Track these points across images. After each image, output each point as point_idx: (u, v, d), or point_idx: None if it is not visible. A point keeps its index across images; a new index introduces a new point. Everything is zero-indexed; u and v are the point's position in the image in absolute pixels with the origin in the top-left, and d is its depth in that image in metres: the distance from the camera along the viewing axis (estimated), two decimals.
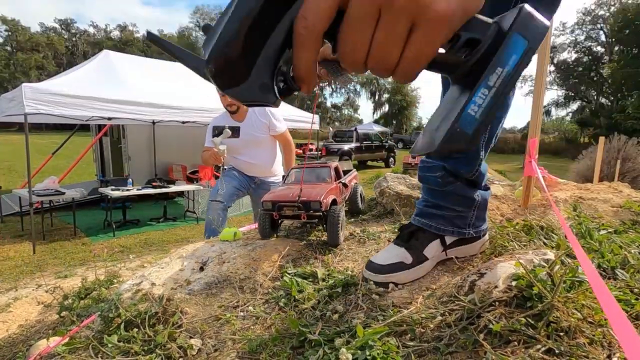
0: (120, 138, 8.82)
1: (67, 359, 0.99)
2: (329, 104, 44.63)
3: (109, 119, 6.52)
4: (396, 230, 1.49)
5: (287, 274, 1.15)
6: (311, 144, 15.26)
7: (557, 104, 30.71)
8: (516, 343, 0.63)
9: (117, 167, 9.12)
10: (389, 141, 17.02)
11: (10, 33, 35.90)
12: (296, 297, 1.03)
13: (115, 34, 45.78)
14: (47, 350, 1.10)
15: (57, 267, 5.03)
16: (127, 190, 6.63)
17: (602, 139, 4.16)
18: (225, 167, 3.05)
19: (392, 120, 39.03)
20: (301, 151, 14.50)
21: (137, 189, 6.81)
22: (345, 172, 2.13)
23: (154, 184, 7.16)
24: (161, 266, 1.37)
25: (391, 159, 16.61)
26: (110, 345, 0.96)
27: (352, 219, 1.84)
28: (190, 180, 9.00)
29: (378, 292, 0.98)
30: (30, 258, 5.39)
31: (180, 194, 8.20)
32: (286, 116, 8.42)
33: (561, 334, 0.60)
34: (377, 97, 41.23)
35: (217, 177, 8.76)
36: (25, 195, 6.36)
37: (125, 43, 41.94)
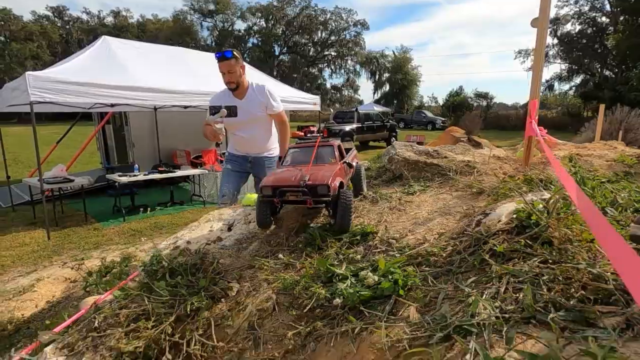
0: (122, 125, 8.88)
1: (122, 304, 1.13)
2: (328, 85, 44.07)
3: (112, 105, 6.56)
4: (410, 191, 1.60)
5: (309, 228, 1.28)
6: (312, 126, 15.29)
7: (560, 78, 30.29)
8: (516, 259, 0.75)
9: (122, 154, 9.21)
10: (390, 121, 17.00)
11: (2, 23, 35.28)
12: (320, 245, 1.16)
13: (109, 20, 44.84)
14: (101, 299, 1.25)
15: (72, 251, 5.23)
16: (134, 176, 6.75)
17: (602, 106, 4.22)
18: (220, 144, 3.21)
19: (393, 99, 38.63)
20: (302, 133, 14.54)
21: (144, 174, 6.92)
22: (346, 151, 2.01)
23: (159, 169, 7.28)
24: (191, 229, 1.51)
25: (393, 139, 16.63)
26: (160, 289, 1.10)
27: (373, 178, 1.95)
28: (194, 165, 9.10)
29: (394, 237, 1.10)
30: (46, 243, 5.57)
31: (186, 179, 8.30)
32: (288, 98, 8.45)
33: (554, 248, 0.73)
34: (377, 77, 40.65)
35: (220, 162, 8.88)
36: (35, 183, 6.49)
37: (120, 29, 41.16)
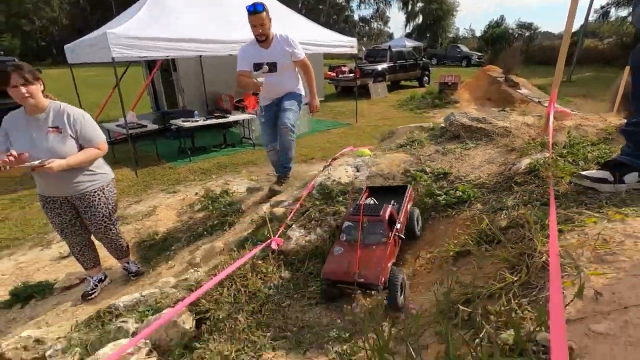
0: (170, 71, 9.78)
1: (309, 206, 2.28)
2: (356, 17, 41.89)
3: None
4: (466, 147, 2.63)
5: (409, 170, 2.36)
6: (344, 65, 15.60)
7: (617, 4, 27.95)
8: (525, 185, 1.82)
9: (170, 99, 10.27)
10: (423, 58, 16.99)
11: None
12: (417, 179, 2.24)
13: None
14: (303, 196, 2.39)
15: (161, 186, 6.60)
16: (195, 121, 7.90)
17: (627, 69, 4.71)
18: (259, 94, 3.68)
19: (425, 32, 36.83)
20: (334, 74, 14.99)
21: (203, 120, 8.04)
22: (396, 189, 2.11)
23: (215, 114, 8.36)
24: (330, 170, 2.61)
25: (425, 78, 16.80)
26: (337, 203, 2.24)
27: (431, 141, 2.96)
28: (237, 109, 10.08)
29: (462, 175, 2.17)
30: (135, 180, 6.94)
31: (235, 122, 9.36)
32: (323, 41, 8.96)
33: (541, 180, 1.78)
34: (409, 7, 38.26)
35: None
36: (113, 128, 7.75)
37: None
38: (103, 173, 2.97)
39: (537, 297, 1.05)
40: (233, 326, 1.55)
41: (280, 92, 3.63)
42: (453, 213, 1.91)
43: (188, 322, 1.65)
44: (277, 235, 2.07)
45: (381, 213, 1.78)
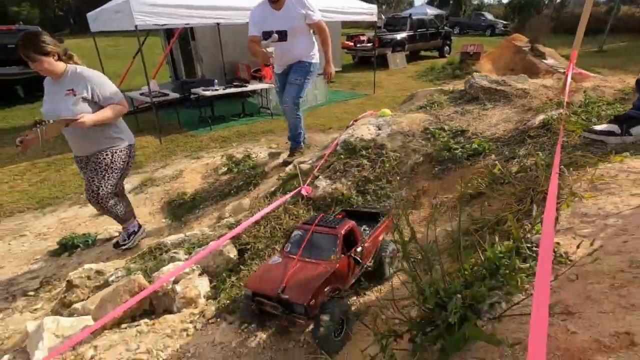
0: (188, 40, 9.90)
1: (330, 161, 2.51)
2: None
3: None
4: (485, 108, 2.78)
5: (429, 129, 2.54)
6: (362, 35, 15.34)
7: None
8: (538, 138, 1.99)
9: (188, 69, 10.46)
10: (445, 27, 16.50)
11: None
12: (436, 136, 2.43)
13: None
14: (326, 153, 2.63)
15: (184, 153, 6.92)
16: (215, 90, 8.12)
17: None
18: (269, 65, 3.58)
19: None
20: (352, 43, 14.79)
21: (223, 89, 8.25)
22: (371, 215, 1.89)
23: (234, 83, 8.54)
24: (353, 129, 2.82)
25: (446, 48, 16.39)
26: (360, 157, 2.45)
27: (450, 102, 3.11)
28: (254, 78, 10.19)
29: (479, 132, 2.34)
30: (159, 147, 7.28)
31: (253, 92, 9.51)
32: (342, 8, 8.88)
33: (552, 132, 1.95)
34: None
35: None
36: (136, 96, 8.05)
37: None
38: (118, 138, 3.01)
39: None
40: (272, 254, 1.82)
41: (293, 59, 3.50)
42: (469, 164, 2.11)
43: (232, 252, 1.94)
44: (305, 184, 2.31)
45: (338, 226, 1.55)
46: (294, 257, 1.51)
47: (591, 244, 0.90)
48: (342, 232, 1.53)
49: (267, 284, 1.41)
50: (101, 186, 3.06)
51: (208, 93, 7.89)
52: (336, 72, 13.17)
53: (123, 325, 1.57)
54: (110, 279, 2.15)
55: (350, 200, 2.12)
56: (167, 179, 5.55)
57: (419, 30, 14.98)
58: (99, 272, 2.32)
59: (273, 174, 4.07)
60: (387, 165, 2.32)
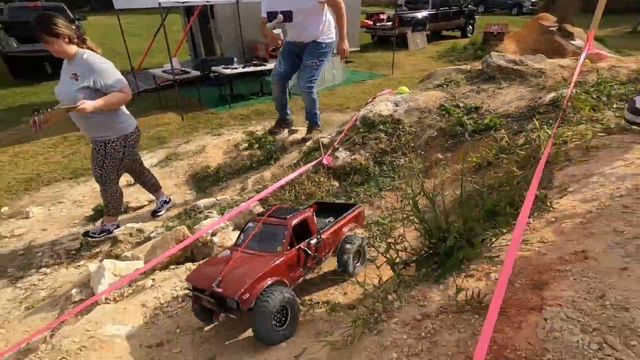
0: (208, 18, 10.05)
1: (349, 135, 2.72)
2: None
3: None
4: (500, 87, 2.91)
5: (444, 105, 2.71)
6: (382, 13, 15.13)
7: None
8: (547, 114, 2.15)
9: (207, 47, 10.65)
10: (469, 5, 16.07)
11: None
12: (451, 112, 2.60)
13: None
14: (345, 128, 2.84)
15: (205, 129, 7.21)
16: (235, 68, 8.31)
17: None
18: (279, 48, 3.64)
19: None
20: (371, 22, 14.63)
21: (242, 67, 8.43)
22: (344, 209, 1.83)
23: (253, 62, 8.70)
24: (371, 106, 3.00)
25: (469, 27, 16.01)
26: (378, 131, 2.65)
27: (467, 81, 3.24)
28: (273, 57, 10.31)
29: (492, 109, 2.50)
30: (182, 123, 7.58)
31: (270, 70, 9.61)
32: None
33: (559, 108, 2.11)
34: None
35: None
36: (158, 74, 8.32)
37: None
38: (115, 127, 3.03)
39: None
40: None
41: (304, 38, 3.46)
42: (479, 137, 2.29)
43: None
44: (326, 155, 2.54)
45: (289, 217, 1.54)
46: (245, 254, 1.49)
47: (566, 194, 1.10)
48: (292, 223, 1.51)
49: (204, 277, 1.41)
50: (101, 173, 3.14)
51: (228, 71, 8.10)
52: (354, 51, 13.05)
53: (171, 267, 1.86)
54: (152, 235, 2.45)
55: (368, 170, 2.34)
56: (190, 153, 5.87)
57: (441, 8, 14.67)
58: (139, 230, 2.64)
59: (293, 149, 4.31)
60: (403, 139, 2.52)
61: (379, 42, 14.82)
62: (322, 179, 2.35)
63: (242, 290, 1.29)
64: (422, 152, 2.44)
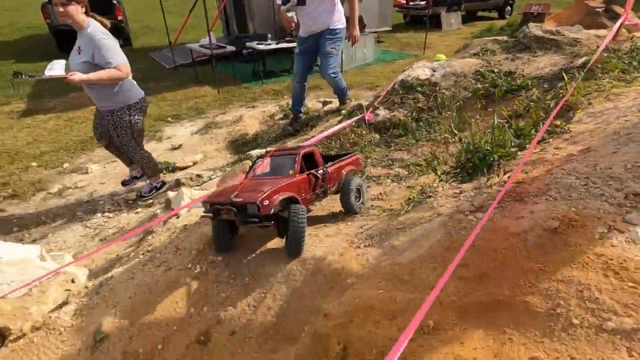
0: None
1: (389, 97, 3.01)
2: None
3: None
4: (535, 55, 3.11)
5: (479, 70, 2.95)
6: None
7: None
8: (576, 75, 2.37)
9: (240, 25, 11.01)
10: None
11: None
12: (485, 76, 2.84)
13: None
14: (382, 95, 3.14)
15: (240, 102, 7.62)
16: (269, 44, 8.63)
17: None
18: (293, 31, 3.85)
19: None
20: (404, 1, 14.53)
21: (275, 43, 8.73)
22: (339, 156, 2.00)
23: (287, 39, 8.99)
24: (409, 71, 3.27)
25: (508, 8, 15.61)
26: (416, 92, 2.93)
27: (502, 51, 3.44)
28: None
29: (525, 73, 2.73)
30: (217, 97, 8.00)
31: None
32: None
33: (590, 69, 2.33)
34: None
35: None
36: (196, 48, 8.75)
37: None
38: (116, 99, 3.13)
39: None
40: None
41: (317, 27, 3.56)
42: (512, 96, 2.53)
43: None
44: (368, 112, 2.85)
45: (298, 149, 1.73)
46: (258, 178, 1.67)
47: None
48: (302, 152, 1.70)
49: (222, 194, 1.56)
50: (121, 141, 3.37)
51: (262, 47, 8.43)
52: (386, 31, 13.05)
53: None
54: (213, 176, 2.86)
55: (406, 125, 2.64)
56: (228, 123, 6.30)
57: None
58: (198, 176, 3.06)
59: (329, 117, 4.63)
60: (440, 99, 2.79)
61: (411, 22, 14.74)
62: (364, 132, 2.67)
63: (262, 197, 1.42)
64: (457, 111, 2.70)
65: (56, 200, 4.24)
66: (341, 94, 4.36)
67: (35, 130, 5.84)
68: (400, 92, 3.00)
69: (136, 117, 3.28)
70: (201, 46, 8.62)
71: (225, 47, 8.47)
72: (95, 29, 2.85)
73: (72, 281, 1.65)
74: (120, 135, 3.30)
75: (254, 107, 7.13)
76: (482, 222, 0.90)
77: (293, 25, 3.42)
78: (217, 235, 1.65)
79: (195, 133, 6.08)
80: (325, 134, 2.54)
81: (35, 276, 1.51)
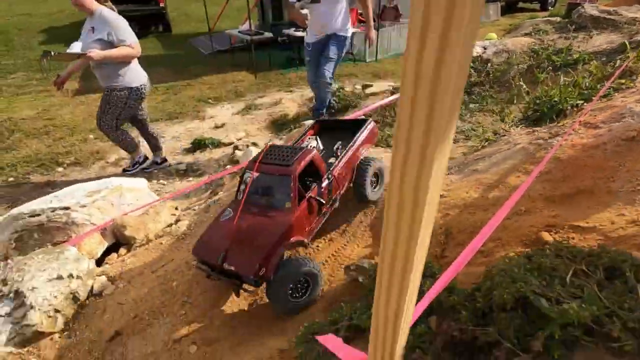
0: None
1: None
2: None
3: None
4: (590, 34, 3.13)
5: (532, 48, 3.00)
6: None
7: None
8: (638, 49, 2.41)
9: (276, 12, 11.24)
10: None
11: None
12: (539, 53, 2.90)
13: None
14: None
15: (277, 87, 7.83)
16: (305, 31, 8.79)
17: None
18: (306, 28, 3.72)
19: None
20: None
21: None
22: (352, 126, 1.69)
23: None
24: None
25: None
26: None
27: (556, 31, 3.46)
28: None
29: (581, 50, 2.77)
30: (255, 81, 8.27)
31: None
32: None
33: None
34: None
35: (360, 22, 10.21)
36: (234, 33, 9.03)
37: None
38: (122, 78, 3.35)
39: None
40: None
41: (327, 29, 3.56)
42: (567, 70, 2.59)
43: None
44: None
45: (292, 164, 1.34)
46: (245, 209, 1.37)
47: None
48: (297, 172, 1.34)
49: (211, 250, 1.31)
50: (101, 118, 3.54)
51: (299, 34, 8.61)
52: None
53: None
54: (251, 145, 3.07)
55: None
56: (267, 105, 6.54)
57: None
58: (254, 144, 3.27)
59: (369, 99, 4.77)
60: (491, 75, 2.87)
61: None
62: None
63: (257, 266, 1.20)
64: (508, 86, 2.77)
65: (113, 169, 4.58)
66: (321, 106, 4.15)
67: (89, 107, 6.25)
68: None
69: (132, 101, 3.50)
70: (240, 32, 8.89)
71: (263, 34, 8.70)
72: (109, 11, 3.13)
73: (176, 208, 1.94)
74: (106, 110, 3.48)
75: (291, 91, 7.34)
76: (562, 140, 1.04)
77: (306, 22, 3.55)
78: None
79: (236, 114, 6.34)
80: (378, 104, 2.68)
81: (145, 202, 1.78)
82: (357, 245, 1.53)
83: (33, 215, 1.84)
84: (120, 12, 3.49)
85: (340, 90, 6.05)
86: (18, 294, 1.47)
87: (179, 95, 7.24)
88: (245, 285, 1.31)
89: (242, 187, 1.48)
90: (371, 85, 5.57)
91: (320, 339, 0.86)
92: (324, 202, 1.43)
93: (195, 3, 15.40)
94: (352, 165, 1.57)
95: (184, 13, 14.78)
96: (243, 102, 6.95)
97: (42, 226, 1.84)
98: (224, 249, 1.26)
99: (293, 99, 6.64)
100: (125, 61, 3.30)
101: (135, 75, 3.48)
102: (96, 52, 3.04)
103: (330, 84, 3.75)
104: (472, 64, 3.01)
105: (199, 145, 5.03)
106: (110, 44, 3.14)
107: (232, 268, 1.24)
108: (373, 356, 0.57)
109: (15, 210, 2.05)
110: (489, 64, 2.97)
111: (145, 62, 3.96)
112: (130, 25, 3.41)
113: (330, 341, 0.83)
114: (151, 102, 6.95)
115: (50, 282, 1.50)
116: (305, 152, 1.43)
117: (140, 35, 12.15)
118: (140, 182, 2.43)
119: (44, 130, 5.62)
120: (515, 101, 2.17)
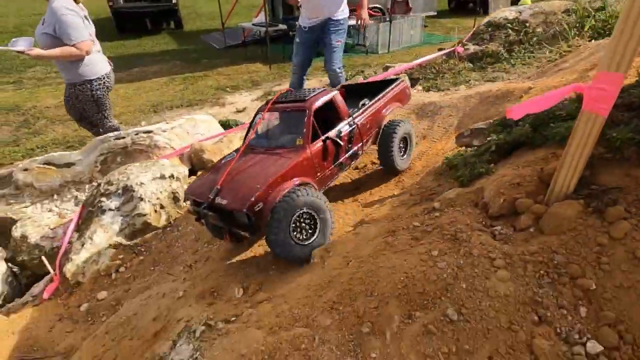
0: None
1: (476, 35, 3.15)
2: None
3: None
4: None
5: (569, 8, 3.04)
6: None
7: None
8: None
9: (286, 7, 11.38)
10: None
11: None
12: (577, 13, 2.93)
13: None
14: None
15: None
16: None
17: None
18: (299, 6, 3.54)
19: None
20: None
21: None
22: (379, 86, 1.51)
23: None
24: (494, 14, 3.39)
25: None
26: (506, 28, 3.06)
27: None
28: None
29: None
30: (269, 72, 8.34)
31: (350, 27, 10.08)
32: None
33: None
34: None
35: (372, 16, 10.30)
36: (249, 26, 9.12)
37: None
38: (80, 74, 3.07)
39: None
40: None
41: (323, 12, 3.43)
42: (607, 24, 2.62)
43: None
44: (458, 45, 3.01)
45: (309, 98, 1.23)
46: (250, 149, 1.19)
47: None
48: (314, 105, 1.21)
49: (202, 188, 1.17)
50: (83, 114, 3.23)
51: None
52: (430, 16, 13.01)
53: None
54: None
55: (499, 55, 2.78)
56: None
57: None
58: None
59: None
60: (530, 34, 2.91)
61: (456, 7, 14.65)
62: (456, 62, 2.84)
63: (251, 200, 1.02)
64: (549, 43, 2.81)
65: None
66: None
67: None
68: (489, 29, 3.14)
69: (98, 92, 3.18)
70: (254, 24, 8.99)
71: (277, 25, 8.80)
72: (60, 3, 2.84)
73: None
74: (85, 109, 3.23)
75: (307, 79, 7.40)
76: None
77: (298, 1, 3.37)
78: (211, 228, 1.29)
79: (256, 100, 6.40)
80: (416, 62, 2.72)
81: (215, 132, 1.81)
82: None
83: (119, 137, 1.93)
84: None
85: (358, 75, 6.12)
86: (127, 189, 1.52)
87: (197, 85, 7.32)
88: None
89: (254, 126, 1.37)
90: (393, 66, 5.62)
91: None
92: (341, 143, 1.27)
93: (204, 1, 15.63)
94: (377, 122, 1.42)
95: (194, 11, 14.97)
96: (261, 89, 7.01)
97: (125, 149, 1.91)
98: (219, 185, 1.11)
99: (311, 85, 6.70)
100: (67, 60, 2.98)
101: (92, 67, 3.15)
102: (36, 52, 2.82)
103: (340, 73, 3.65)
104: (510, 25, 3.05)
105: (223, 126, 5.08)
106: (59, 40, 2.87)
107: (224, 202, 1.08)
108: None
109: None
110: (527, 24, 3.01)
111: (160, 56, 3.97)
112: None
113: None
114: (169, 90, 7.04)
115: (154, 181, 1.57)
116: (326, 91, 1.33)
117: (153, 31, 12.38)
118: (208, 116, 2.38)
119: (68, 117, 5.69)
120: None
